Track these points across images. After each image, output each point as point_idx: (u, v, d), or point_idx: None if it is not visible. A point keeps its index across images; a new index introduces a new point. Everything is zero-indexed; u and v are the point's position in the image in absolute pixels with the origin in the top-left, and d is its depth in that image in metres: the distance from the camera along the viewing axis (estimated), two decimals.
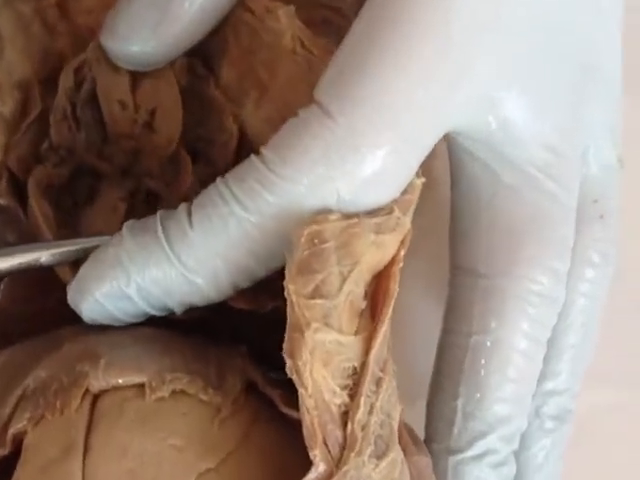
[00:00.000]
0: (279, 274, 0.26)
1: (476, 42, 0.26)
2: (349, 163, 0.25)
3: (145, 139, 0.31)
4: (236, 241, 0.25)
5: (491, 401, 0.28)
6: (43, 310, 0.30)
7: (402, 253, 0.26)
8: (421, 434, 0.29)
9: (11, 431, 0.25)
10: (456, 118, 0.27)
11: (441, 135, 0.27)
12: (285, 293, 0.24)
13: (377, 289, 0.25)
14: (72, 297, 0.27)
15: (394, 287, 0.25)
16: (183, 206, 0.26)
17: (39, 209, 0.29)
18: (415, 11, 0.25)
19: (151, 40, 0.29)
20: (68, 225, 0.30)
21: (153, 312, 0.27)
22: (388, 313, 0.25)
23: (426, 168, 0.27)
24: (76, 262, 0.28)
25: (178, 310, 0.27)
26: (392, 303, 0.25)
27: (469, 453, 0.28)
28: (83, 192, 0.31)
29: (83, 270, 0.27)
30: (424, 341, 0.31)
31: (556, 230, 0.28)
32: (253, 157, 0.26)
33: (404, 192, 0.26)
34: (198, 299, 0.26)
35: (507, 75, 0.27)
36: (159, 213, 0.27)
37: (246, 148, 0.30)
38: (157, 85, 0.31)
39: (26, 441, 0.25)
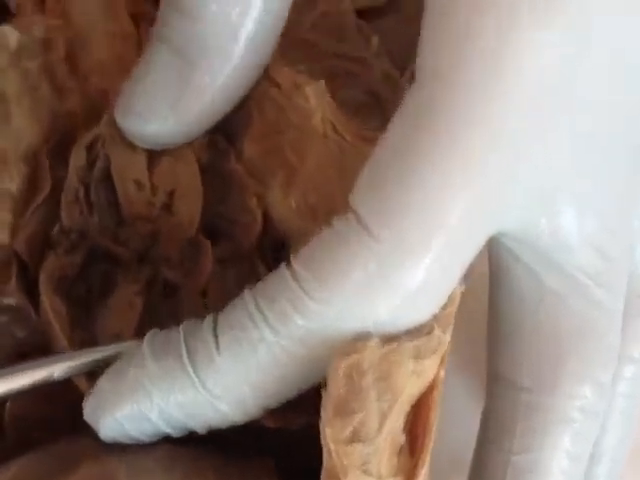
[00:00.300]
0: (309, 390, 0.24)
1: (528, 142, 0.24)
2: (390, 282, 0.23)
3: (163, 222, 0.29)
4: (266, 367, 0.24)
5: None
6: (57, 413, 0.28)
7: (442, 375, 0.24)
8: None
9: None
10: (505, 220, 0.24)
11: (487, 238, 0.25)
12: (321, 437, 0.22)
13: (416, 419, 0.24)
14: (89, 414, 0.26)
15: (434, 417, 0.23)
16: (209, 323, 0.24)
17: (51, 307, 0.28)
18: (461, 107, 0.23)
19: (169, 119, 0.27)
20: (82, 324, 0.28)
21: (174, 433, 0.25)
22: (429, 449, 0.23)
23: None
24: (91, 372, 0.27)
25: (200, 431, 0.25)
26: (433, 436, 0.23)
27: None
28: (97, 279, 0.29)
29: (101, 387, 0.25)
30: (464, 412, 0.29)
31: (603, 341, 0.26)
32: (285, 272, 0.24)
33: (444, 305, 0.24)
34: (222, 423, 0.25)
35: (562, 175, 0.24)
36: (183, 329, 0.25)
37: (272, 234, 0.29)
38: (175, 164, 0.29)
39: None
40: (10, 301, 0.28)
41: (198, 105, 0.27)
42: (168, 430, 0.25)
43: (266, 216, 0.28)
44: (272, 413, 0.25)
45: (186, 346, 0.24)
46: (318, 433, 0.23)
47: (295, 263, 0.24)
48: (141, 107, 0.27)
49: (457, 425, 0.30)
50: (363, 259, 0.23)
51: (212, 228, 0.29)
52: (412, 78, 0.34)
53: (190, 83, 0.26)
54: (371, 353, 0.23)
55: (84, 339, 0.28)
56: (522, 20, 0.23)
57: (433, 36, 0.24)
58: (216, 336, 0.24)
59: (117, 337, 0.28)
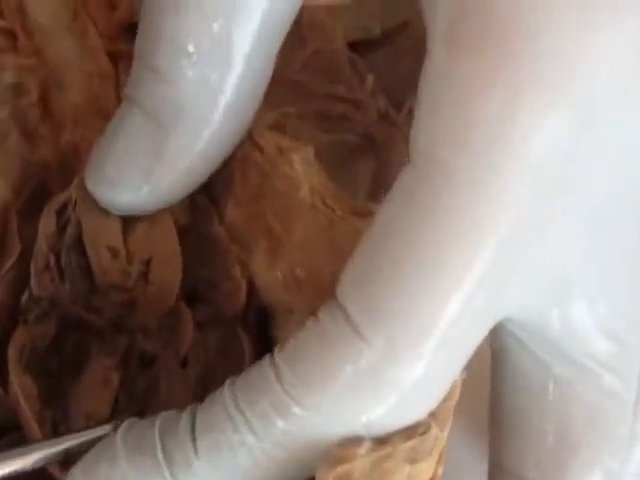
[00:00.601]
0: None
1: (536, 234, 0.22)
2: (382, 387, 0.21)
3: (140, 291, 0.27)
4: (246, 472, 0.22)
5: None
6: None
7: (439, 473, 0.22)
8: None
9: None
10: (510, 311, 0.23)
11: (489, 330, 0.23)
12: None
13: None
14: None
15: None
16: (186, 421, 0.23)
17: (20, 388, 0.26)
18: (461, 201, 0.21)
19: (143, 188, 0.25)
20: (54, 403, 0.26)
21: None
22: None
23: None
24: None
25: None
26: None
27: None
28: (70, 351, 0.27)
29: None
30: None
31: (614, 429, 0.24)
32: (268, 371, 0.22)
33: (444, 399, 0.22)
34: None
35: (573, 264, 0.23)
36: (159, 425, 0.23)
37: (256, 303, 0.27)
38: (152, 230, 0.27)
39: None
40: None
41: (173, 174, 0.25)
42: None
43: (250, 284, 0.27)
44: None
45: (162, 447, 0.23)
46: None
47: (280, 361, 0.22)
48: (112, 175, 0.25)
49: None
50: (353, 363, 0.21)
51: (192, 292, 0.28)
52: (409, 115, 0.32)
53: (164, 150, 0.25)
54: (362, 461, 0.21)
55: (55, 419, 0.26)
56: (527, 101, 0.21)
57: (429, 117, 0.22)
58: (194, 438, 0.22)
59: (91, 416, 0.26)
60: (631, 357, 0.24)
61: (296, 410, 0.21)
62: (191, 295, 0.27)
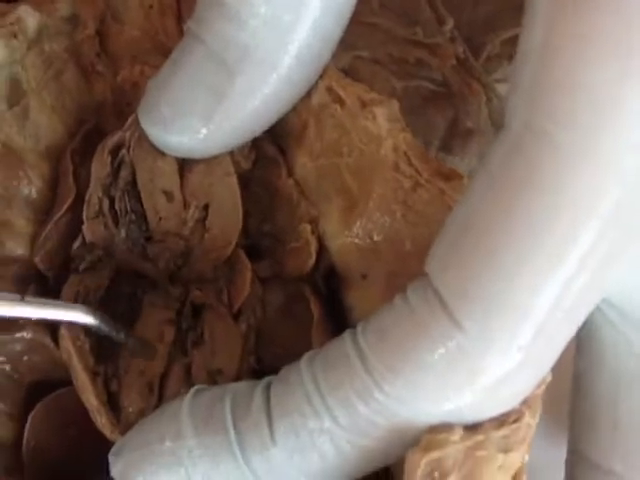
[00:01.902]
0: None
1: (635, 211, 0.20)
2: (475, 377, 0.20)
3: (196, 239, 0.26)
4: (325, 459, 0.21)
5: None
6: (79, 441, 0.26)
7: (526, 460, 0.21)
8: None
9: None
10: (610, 292, 0.22)
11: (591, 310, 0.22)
12: None
13: None
14: (118, 474, 0.23)
15: None
16: (260, 399, 0.21)
17: (73, 342, 0.25)
18: (566, 175, 0.20)
19: (201, 132, 0.23)
20: (106, 359, 0.25)
21: None
22: None
23: None
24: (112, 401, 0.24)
25: None
26: None
27: None
28: (123, 304, 0.26)
29: (131, 448, 0.23)
30: None
31: None
32: (351, 352, 0.21)
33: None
34: None
35: None
36: (228, 395, 0.22)
37: (326, 266, 0.26)
38: (211, 174, 0.25)
39: None
40: (24, 335, 0.25)
41: (235, 118, 0.23)
42: None
43: (320, 243, 0.25)
44: None
45: (235, 427, 0.21)
46: None
47: (363, 343, 0.21)
48: (169, 115, 0.23)
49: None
50: (445, 350, 0.20)
51: (255, 246, 0.26)
52: (488, 62, 0.30)
53: (227, 92, 0.23)
54: (455, 448, 0.20)
55: (107, 375, 0.25)
56: (636, 69, 0.19)
57: (531, 82, 0.20)
58: (270, 421, 0.21)
59: (145, 372, 0.25)
60: None
61: (382, 398, 0.20)
62: (254, 250, 0.26)
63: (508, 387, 0.20)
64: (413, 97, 0.30)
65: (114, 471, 0.23)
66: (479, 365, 0.20)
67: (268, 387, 0.22)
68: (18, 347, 0.26)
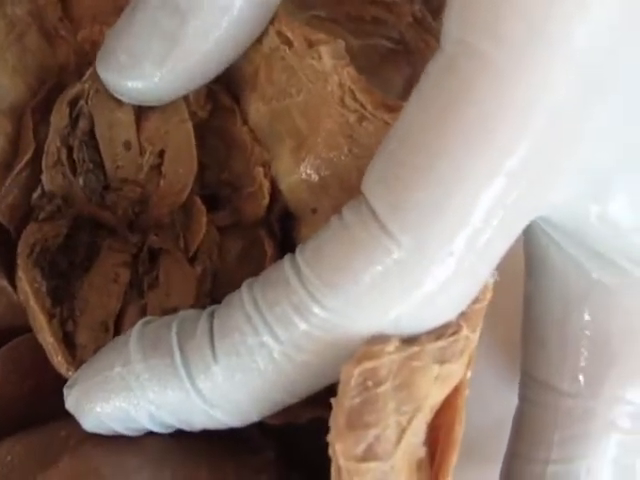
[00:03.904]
0: None
1: (576, 124, 0.21)
2: (410, 287, 0.21)
3: (153, 185, 0.27)
4: (266, 375, 0.22)
5: None
6: (39, 386, 0.27)
7: (468, 377, 0.22)
8: None
9: None
10: (549, 207, 0.22)
11: (525, 225, 0.23)
12: (329, 451, 0.20)
13: (437, 426, 0.22)
14: (71, 406, 0.24)
15: (460, 425, 0.22)
16: (204, 324, 0.22)
17: (30, 285, 0.26)
18: (496, 86, 0.21)
19: (156, 76, 0.25)
20: (62, 299, 0.26)
21: (162, 431, 0.24)
22: (451, 466, 0.21)
23: None
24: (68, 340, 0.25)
25: (192, 430, 0.24)
26: (457, 447, 0.21)
27: None
28: (81, 252, 0.27)
29: (83, 380, 0.24)
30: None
31: None
32: (288, 269, 0.22)
33: (474, 300, 0.22)
34: (218, 426, 0.23)
35: (614, 158, 0.22)
36: (175, 323, 0.23)
37: (280, 207, 0.27)
38: (166, 121, 0.27)
39: None
40: None
41: (188, 61, 0.24)
42: (156, 429, 0.24)
43: (273, 186, 0.26)
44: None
45: (180, 350, 0.22)
46: (324, 426, 0.21)
47: (300, 260, 0.22)
48: (125, 60, 0.25)
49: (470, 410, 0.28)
50: (378, 261, 0.21)
51: (213, 196, 0.27)
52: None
53: (180, 36, 0.24)
54: (390, 358, 0.21)
55: (63, 315, 0.26)
56: None
57: (461, 4, 0.21)
58: (212, 340, 0.22)
59: (99, 311, 0.26)
60: None
61: (319, 312, 0.21)
62: (212, 200, 0.27)
63: (443, 297, 0.21)
64: (370, 55, 0.31)
65: (68, 403, 0.24)
66: (412, 274, 0.21)
67: (213, 313, 0.23)
68: None
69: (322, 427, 0.22)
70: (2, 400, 0.27)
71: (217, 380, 0.22)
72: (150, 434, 0.24)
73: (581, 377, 0.24)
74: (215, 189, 0.27)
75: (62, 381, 0.25)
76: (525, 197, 0.21)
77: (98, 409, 0.23)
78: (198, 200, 0.27)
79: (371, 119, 0.24)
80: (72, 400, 0.24)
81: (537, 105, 0.21)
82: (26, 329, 0.27)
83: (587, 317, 0.24)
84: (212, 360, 0.22)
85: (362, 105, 0.24)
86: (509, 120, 0.21)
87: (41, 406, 0.27)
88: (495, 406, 0.27)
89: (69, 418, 0.25)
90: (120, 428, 0.24)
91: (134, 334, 0.23)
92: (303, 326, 0.21)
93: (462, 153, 0.20)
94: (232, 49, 0.25)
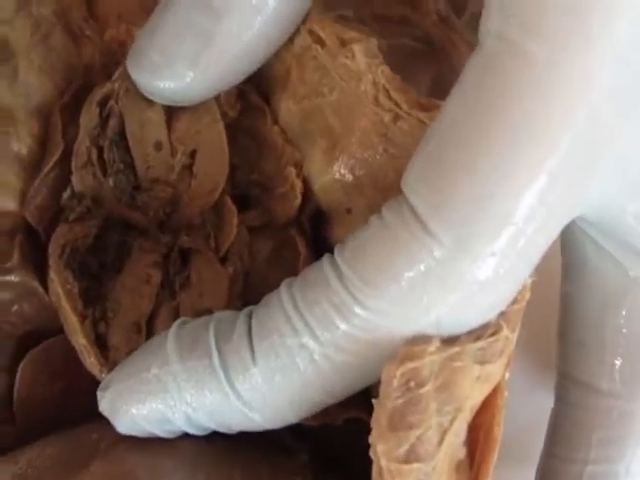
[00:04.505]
0: None
1: (616, 120, 0.21)
2: (452, 285, 0.21)
3: (184, 186, 0.27)
4: (305, 377, 0.22)
5: None
6: (69, 388, 0.27)
7: (507, 377, 0.22)
8: None
9: None
10: (586, 207, 0.23)
11: (564, 225, 0.23)
12: (371, 452, 0.21)
13: (477, 426, 0.22)
14: (105, 408, 0.24)
15: (499, 427, 0.22)
16: (243, 323, 0.23)
17: (62, 285, 0.26)
18: (539, 83, 0.21)
19: (188, 76, 0.25)
20: (94, 301, 0.26)
21: (198, 433, 0.24)
22: (491, 467, 0.21)
23: None
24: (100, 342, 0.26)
25: (228, 432, 0.24)
26: (497, 449, 0.22)
27: None
28: (112, 252, 0.27)
29: (117, 381, 0.24)
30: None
31: None
32: (328, 269, 0.22)
33: (513, 301, 0.22)
34: (255, 428, 0.23)
35: None
36: (212, 324, 0.23)
37: (311, 207, 0.27)
38: (198, 121, 0.27)
39: None
40: (12, 278, 0.26)
41: (221, 61, 0.24)
42: (192, 431, 0.24)
43: (305, 186, 0.26)
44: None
45: (218, 351, 0.22)
46: (360, 427, 0.22)
47: (340, 261, 0.22)
48: (157, 60, 0.25)
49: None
50: (420, 260, 0.21)
51: (243, 196, 0.27)
52: (471, 21, 0.31)
53: (213, 36, 0.24)
54: (431, 359, 0.21)
55: (96, 316, 0.26)
56: None
57: (501, 1, 0.21)
58: (251, 342, 0.22)
59: (132, 312, 0.26)
60: None
61: (359, 311, 0.21)
62: (243, 200, 0.27)
63: (484, 297, 0.21)
64: (397, 54, 0.31)
65: (102, 406, 0.24)
66: (454, 273, 0.21)
67: (251, 314, 0.23)
68: (8, 295, 0.27)
69: (356, 428, 0.22)
70: (32, 402, 0.27)
71: (256, 382, 0.22)
72: (184, 437, 0.24)
73: (619, 377, 0.24)
74: (246, 189, 0.27)
75: (93, 383, 0.25)
76: (565, 195, 0.21)
77: (134, 411, 0.23)
78: (229, 200, 0.27)
79: (406, 118, 0.24)
80: (106, 402, 0.24)
81: (579, 101, 0.21)
82: (57, 331, 0.27)
83: (625, 316, 0.24)
84: (251, 362, 0.22)
85: (397, 104, 0.25)
86: (551, 117, 0.21)
87: (71, 408, 0.27)
88: (529, 407, 0.27)
89: (100, 420, 0.25)
90: (156, 430, 0.24)
91: (171, 335, 0.23)
92: (344, 327, 0.21)
93: (505, 151, 0.21)
94: (264, 48, 0.25)
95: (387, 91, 0.25)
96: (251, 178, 0.27)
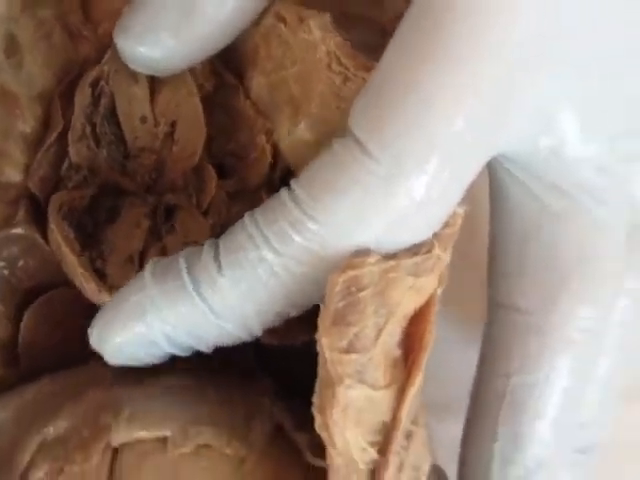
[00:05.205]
0: (313, 307, 0.26)
1: (534, 61, 0.25)
2: (388, 202, 0.24)
3: (167, 152, 0.31)
4: (267, 286, 0.25)
5: (530, 444, 0.27)
6: (69, 336, 0.31)
7: (439, 293, 0.25)
8: (449, 452, 0.29)
9: None
10: (505, 141, 0.26)
11: (487, 160, 0.26)
12: (317, 346, 0.24)
13: (412, 334, 0.25)
14: (95, 341, 0.27)
15: (430, 333, 0.25)
16: (209, 247, 0.26)
17: (60, 232, 0.29)
18: (462, 25, 0.24)
19: (171, 42, 0.28)
20: (91, 246, 0.30)
21: (179, 353, 0.27)
22: (423, 362, 0.25)
23: None
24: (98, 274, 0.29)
25: (206, 350, 0.27)
26: (428, 351, 0.25)
27: None
28: (103, 213, 0.31)
29: (104, 314, 0.27)
30: (458, 354, 0.30)
31: (604, 263, 0.27)
32: (284, 194, 0.25)
33: (445, 225, 0.25)
34: (227, 341, 0.26)
35: (564, 95, 0.26)
36: (182, 254, 0.27)
37: (281, 168, 0.30)
38: (177, 95, 0.31)
39: None
40: (18, 231, 0.30)
41: (202, 31, 0.28)
42: (173, 350, 0.27)
43: (275, 150, 0.30)
44: (276, 331, 0.27)
45: (188, 270, 0.26)
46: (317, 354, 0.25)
47: (295, 186, 0.25)
48: (141, 30, 0.28)
49: (452, 367, 0.31)
50: (360, 179, 0.24)
51: (220, 165, 0.31)
52: None
53: (194, 9, 0.28)
54: (370, 269, 0.24)
55: (93, 256, 0.30)
56: None
57: None
58: (218, 259, 0.25)
59: (124, 250, 0.30)
60: (621, 192, 0.27)
61: (311, 226, 0.24)
62: (220, 169, 0.31)
63: (417, 216, 0.24)
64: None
65: (92, 341, 0.27)
66: (389, 191, 0.24)
67: (217, 242, 0.26)
68: (14, 250, 0.30)
69: (316, 351, 0.25)
70: (35, 348, 0.31)
71: (224, 293, 0.25)
72: (168, 372, 0.28)
73: (537, 296, 0.27)
74: (222, 159, 0.31)
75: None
76: (483, 129, 0.25)
77: (118, 339, 0.27)
78: (208, 165, 0.31)
79: (354, 79, 0.28)
80: (95, 336, 0.27)
81: (503, 40, 0.24)
82: (58, 285, 0.30)
83: (542, 243, 0.27)
84: (218, 274, 0.25)
85: (346, 68, 0.28)
86: (471, 61, 0.24)
87: (70, 356, 0.30)
88: (469, 365, 0.30)
89: (96, 363, 0.28)
90: (142, 354, 0.27)
91: (148, 267, 0.27)
92: (298, 239, 0.25)
93: (432, 86, 0.24)
94: (240, 20, 0.29)
95: (338, 58, 0.29)
96: (227, 148, 0.31)
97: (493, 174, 0.28)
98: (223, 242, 0.26)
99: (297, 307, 0.26)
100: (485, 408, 0.28)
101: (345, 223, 0.24)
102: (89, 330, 0.28)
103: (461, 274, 0.30)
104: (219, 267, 0.25)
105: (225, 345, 0.26)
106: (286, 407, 0.27)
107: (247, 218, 0.26)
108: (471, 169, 0.25)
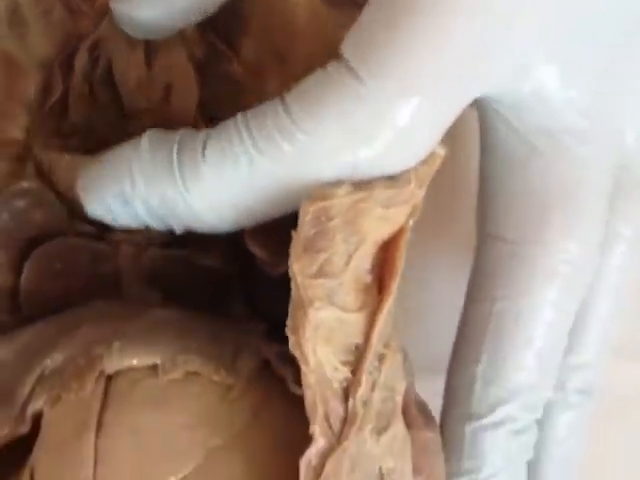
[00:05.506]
0: None
1: (517, 6, 0.26)
2: (372, 126, 0.25)
3: (162, 112, 0.33)
4: (244, 181, 0.26)
5: (512, 369, 0.29)
6: (68, 287, 0.32)
7: (410, 223, 0.27)
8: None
9: (30, 410, 0.27)
10: (489, 83, 0.27)
11: (471, 99, 0.27)
12: (289, 272, 0.26)
13: (383, 261, 0.27)
14: (81, 187, 0.29)
15: (400, 260, 0.26)
16: (202, 134, 0.27)
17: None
18: None
19: (160, 4, 0.30)
20: None
21: (154, 225, 0.28)
22: (393, 288, 0.26)
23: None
24: None
25: (178, 230, 0.28)
26: (397, 278, 0.26)
27: (488, 419, 0.29)
28: None
29: (97, 165, 0.28)
30: (448, 317, 0.32)
31: (588, 199, 0.29)
32: (277, 102, 0.26)
33: (424, 162, 0.27)
34: (199, 226, 0.27)
35: (545, 41, 0.27)
36: (180, 133, 0.28)
37: None
38: (170, 60, 0.33)
39: (44, 420, 0.27)
40: (27, 184, 0.31)
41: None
42: (148, 220, 0.28)
43: None
44: (266, 245, 0.28)
45: (178, 150, 0.27)
46: None
47: (287, 97, 0.26)
48: None
49: (445, 327, 0.32)
50: (348, 99, 0.25)
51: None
52: None
53: None
54: (340, 201, 0.26)
55: None
56: None
57: None
58: (205, 147, 0.26)
59: None
60: (604, 133, 0.29)
61: (296, 133, 0.25)
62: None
63: (400, 145, 0.26)
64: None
65: (78, 184, 0.29)
66: (374, 114, 0.25)
67: (210, 132, 0.27)
68: (22, 204, 0.32)
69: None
70: (36, 296, 0.32)
71: (202, 175, 0.26)
72: (156, 308, 0.29)
73: (522, 226, 0.29)
74: (216, 123, 0.33)
75: (87, 283, 0.31)
76: (467, 70, 0.26)
77: (102, 188, 0.28)
78: (202, 123, 0.33)
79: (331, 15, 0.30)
80: (82, 181, 0.29)
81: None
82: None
83: (528, 179, 0.29)
84: (201, 157, 0.26)
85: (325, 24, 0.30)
86: (457, 8, 0.25)
87: (69, 305, 0.32)
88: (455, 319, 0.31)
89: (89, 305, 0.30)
90: (119, 212, 0.28)
91: (147, 134, 0.28)
92: (282, 143, 0.26)
93: (422, 14, 0.25)
94: None
95: (317, 14, 0.31)
96: (218, 115, 0.33)
97: (482, 112, 0.29)
98: (214, 132, 0.27)
99: (267, 209, 0.26)
100: (470, 332, 0.30)
101: (330, 138, 0.25)
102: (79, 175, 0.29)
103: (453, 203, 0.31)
104: (203, 153, 0.27)
105: (200, 232, 0.27)
106: (275, 348, 0.29)
107: (240, 116, 0.27)
108: (452, 108, 0.26)
